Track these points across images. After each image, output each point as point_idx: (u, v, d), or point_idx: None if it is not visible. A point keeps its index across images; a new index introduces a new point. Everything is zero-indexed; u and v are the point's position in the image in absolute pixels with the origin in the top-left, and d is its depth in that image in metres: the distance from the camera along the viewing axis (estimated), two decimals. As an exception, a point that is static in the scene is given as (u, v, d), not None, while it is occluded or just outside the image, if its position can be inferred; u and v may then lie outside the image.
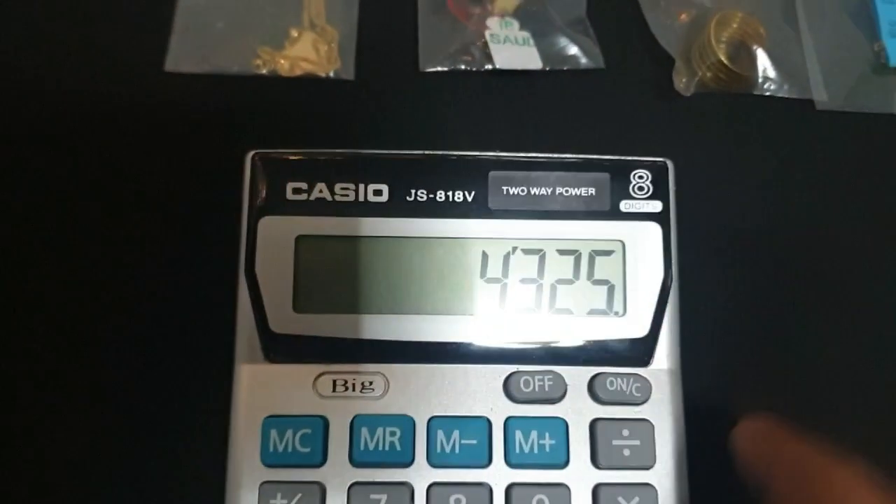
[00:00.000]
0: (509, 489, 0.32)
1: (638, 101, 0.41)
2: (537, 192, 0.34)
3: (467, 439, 0.32)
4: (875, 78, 0.42)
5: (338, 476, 0.32)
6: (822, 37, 0.42)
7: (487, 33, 0.41)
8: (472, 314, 0.33)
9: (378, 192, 0.34)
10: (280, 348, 0.33)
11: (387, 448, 0.32)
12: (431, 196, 0.34)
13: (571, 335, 0.33)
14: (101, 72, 0.40)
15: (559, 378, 0.33)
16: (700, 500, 0.32)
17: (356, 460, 0.32)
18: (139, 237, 0.37)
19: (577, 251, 0.34)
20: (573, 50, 0.41)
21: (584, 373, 0.33)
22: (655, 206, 0.34)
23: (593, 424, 0.33)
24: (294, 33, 0.42)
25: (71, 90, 0.40)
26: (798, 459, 0.29)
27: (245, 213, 0.34)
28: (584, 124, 0.40)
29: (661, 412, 0.33)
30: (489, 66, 0.41)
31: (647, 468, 0.32)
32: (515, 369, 0.33)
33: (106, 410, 0.35)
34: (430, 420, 0.32)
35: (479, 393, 0.33)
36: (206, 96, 0.40)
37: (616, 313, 0.34)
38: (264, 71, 0.41)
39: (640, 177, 0.34)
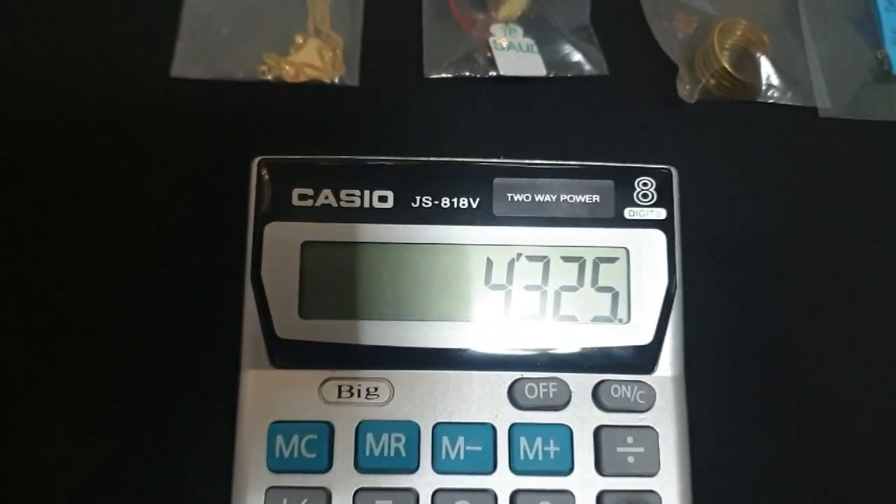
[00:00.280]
0: (514, 496, 0.32)
1: (641, 108, 0.41)
2: (542, 199, 0.34)
3: (472, 446, 0.32)
4: (878, 86, 0.42)
5: (343, 482, 0.32)
6: (826, 44, 0.42)
7: (491, 40, 0.42)
8: (477, 321, 0.33)
9: (383, 199, 0.34)
10: (286, 354, 0.33)
11: (392, 454, 0.32)
12: (436, 202, 0.34)
13: (575, 342, 0.33)
14: (107, 77, 0.40)
15: (563, 385, 0.33)
16: (703, 508, 0.32)
17: (361, 466, 0.32)
18: (144, 242, 0.37)
19: (581, 258, 0.34)
20: (577, 57, 0.41)
21: (589, 380, 0.33)
22: (660, 214, 0.34)
23: (597, 431, 0.33)
24: (299, 40, 0.42)
25: (78, 95, 0.40)
26: None
27: (251, 219, 0.34)
28: (588, 131, 0.40)
29: (665, 419, 0.33)
30: (493, 73, 0.41)
31: (651, 475, 0.32)
32: (520, 376, 0.33)
33: (113, 416, 0.35)
34: (434, 426, 0.33)
35: (483, 399, 0.33)
36: (211, 102, 0.40)
37: (620, 320, 0.34)
38: (269, 77, 0.41)
39: (645, 184, 0.34)
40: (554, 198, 0.34)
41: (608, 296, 0.34)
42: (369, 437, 0.32)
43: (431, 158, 0.35)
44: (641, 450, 0.33)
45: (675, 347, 0.34)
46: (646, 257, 0.34)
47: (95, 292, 0.36)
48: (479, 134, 0.40)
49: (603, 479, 0.32)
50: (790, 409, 0.36)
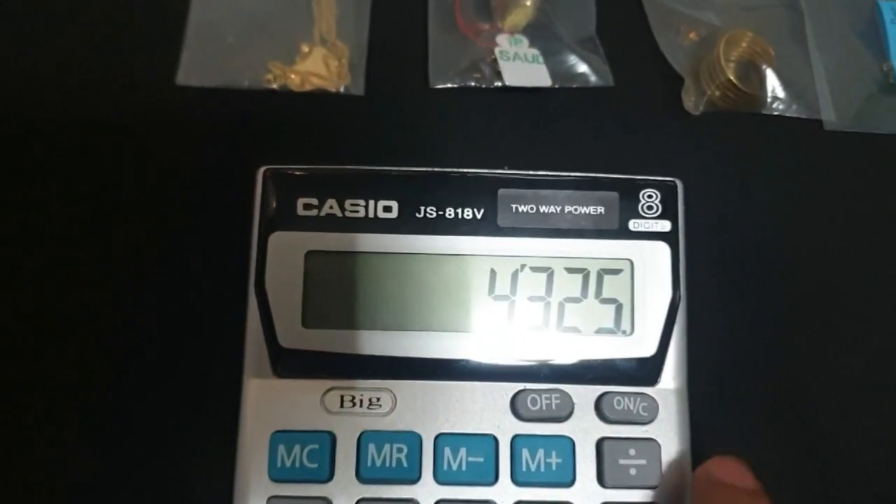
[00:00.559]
0: (515, 507, 0.32)
1: (647, 120, 0.41)
2: (546, 210, 0.34)
3: (474, 457, 0.32)
4: (883, 98, 0.42)
5: (345, 492, 0.32)
6: (831, 57, 0.42)
7: (497, 50, 0.42)
8: (480, 331, 0.33)
9: (388, 209, 0.34)
10: (288, 363, 0.33)
11: (394, 465, 0.32)
12: (441, 213, 0.34)
13: (579, 354, 0.33)
14: (113, 84, 0.41)
15: (566, 397, 0.33)
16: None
17: (363, 476, 0.32)
18: (147, 250, 0.37)
19: (585, 269, 0.34)
20: (582, 68, 0.41)
21: (591, 391, 0.33)
22: (664, 226, 0.34)
23: (600, 443, 0.33)
24: (305, 48, 0.42)
25: (83, 102, 0.40)
26: None
27: (256, 228, 0.34)
28: (593, 142, 0.40)
29: (668, 432, 0.33)
30: (498, 84, 0.41)
31: (654, 488, 0.32)
32: (523, 387, 0.33)
33: (114, 423, 0.35)
34: (437, 437, 0.33)
35: (486, 410, 0.33)
36: (216, 110, 0.41)
37: (624, 332, 0.34)
38: (275, 85, 0.41)
39: (650, 196, 0.34)
40: (558, 209, 0.34)
41: (612, 307, 0.34)
42: (371, 447, 0.32)
43: (436, 169, 0.35)
44: (644, 462, 0.33)
45: (678, 360, 0.34)
46: (650, 269, 0.34)
47: (98, 299, 0.36)
48: (483, 144, 0.40)
49: (605, 492, 0.32)
50: (793, 423, 0.36)
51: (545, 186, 0.35)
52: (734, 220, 0.39)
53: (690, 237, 0.35)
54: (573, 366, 0.33)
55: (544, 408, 0.33)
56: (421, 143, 0.40)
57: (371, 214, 0.34)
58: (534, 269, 0.34)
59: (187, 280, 0.37)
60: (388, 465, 0.32)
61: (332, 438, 0.32)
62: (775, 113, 0.41)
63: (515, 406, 0.33)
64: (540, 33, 0.43)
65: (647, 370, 0.33)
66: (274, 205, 0.34)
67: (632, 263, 0.34)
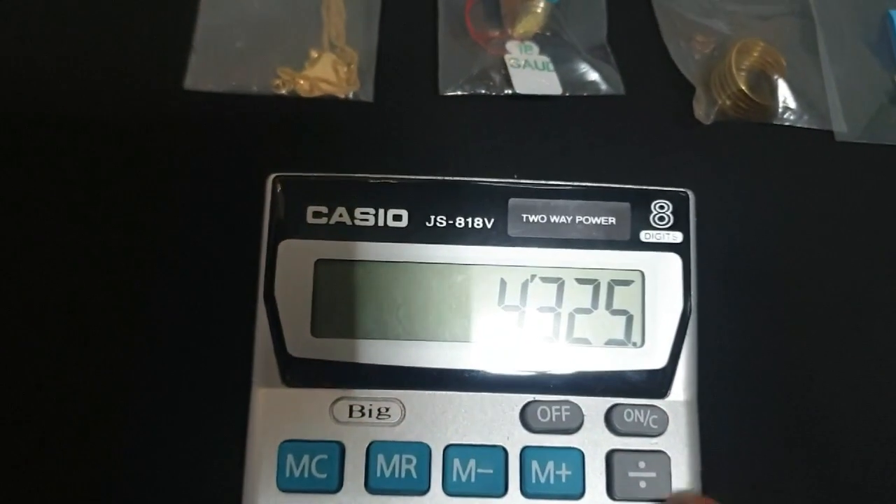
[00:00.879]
0: (525, 519, 0.32)
1: (658, 129, 0.41)
2: (557, 221, 0.34)
3: (483, 468, 0.32)
4: (894, 109, 0.42)
5: (353, 502, 0.32)
6: (842, 68, 0.42)
7: (507, 57, 0.41)
8: (490, 342, 0.33)
9: (398, 218, 0.34)
10: (297, 372, 0.33)
11: (403, 475, 0.32)
12: (451, 222, 0.34)
13: (589, 365, 0.33)
14: (121, 88, 0.40)
15: (576, 408, 0.33)
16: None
17: (372, 487, 0.32)
18: (154, 257, 0.37)
19: (595, 280, 0.34)
20: (593, 76, 0.41)
21: (601, 403, 0.33)
22: (676, 237, 0.34)
23: (609, 456, 0.33)
24: (314, 54, 0.42)
25: (91, 106, 0.40)
26: None
27: (265, 236, 0.34)
28: (604, 150, 0.40)
29: (678, 444, 0.33)
30: (508, 91, 0.41)
31: (663, 500, 0.32)
32: (532, 398, 0.33)
33: (123, 431, 0.35)
34: (446, 448, 0.32)
35: (495, 422, 0.33)
36: (224, 115, 0.40)
37: (634, 344, 0.33)
38: (284, 91, 0.41)
39: (661, 207, 0.34)
40: (569, 219, 0.34)
41: (622, 319, 0.34)
42: (380, 457, 0.32)
43: (447, 178, 0.34)
44: (653, 475, 0.32)
45: (688, 372, 0.34)
46: (661, 281, 0.34)
47: (106, 307, 0.36)
48: (492, 152, 0.40)
49: (614, 504, 0.32)
50: (803, 435, 0.36)
51: (556, 196, 0.34)
52: (744, 231, 0.39)
53: (700, 247, 0.34)
54: (583, 377, 0.33)
55: (554, 419, 0.33)
56: (429, 150, 0.40)
57: (381, 223, 0.34)
58: (544, 280, 0.34)
59: (195, 288, 0.36)
60: (397, 475, 0.32)
61: (341, 448, 0.32)
62: (786, 123, 0.41)
63: (525, 417, 0.33)
64: (550, 40, 0.42)
65: (657, 382, 0.33)
66: (283, 213, 0.34)
67: (643, 275, 0.34)
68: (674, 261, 0.34)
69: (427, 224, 0.34)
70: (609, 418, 0.33)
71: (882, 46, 0.43)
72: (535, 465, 0.32)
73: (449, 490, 0.32)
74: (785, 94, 0.41)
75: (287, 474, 0.32)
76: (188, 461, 0.34)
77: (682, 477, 0.33)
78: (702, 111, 0.40)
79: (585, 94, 0.41)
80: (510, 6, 0.43)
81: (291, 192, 0.34)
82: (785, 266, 0.38)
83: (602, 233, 0.34)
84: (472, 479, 0.32)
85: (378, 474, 0.32)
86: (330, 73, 0.41)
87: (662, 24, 0.43)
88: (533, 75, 0.41)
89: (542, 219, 0.34)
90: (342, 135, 0.40)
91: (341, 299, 0.33)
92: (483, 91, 0.41)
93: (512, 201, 0.34)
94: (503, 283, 0.34)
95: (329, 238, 0.34)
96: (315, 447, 0.32)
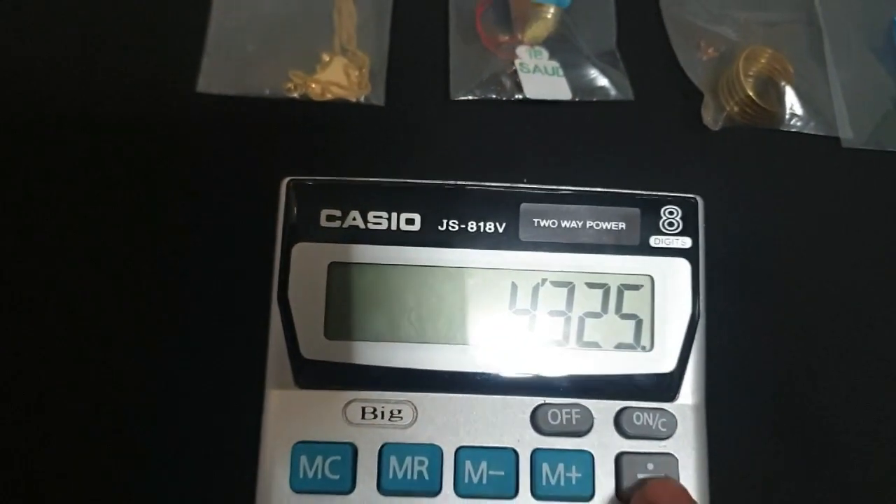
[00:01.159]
0: (535, 520, 0.32)
1: (666, 135, 0.41)
2: (568, 225, 0.34)
3: (494, 470, 0.32)
4: (900, 117, 0.42)
5: (366, 503, 0.32)
6: (849, 75, 0.42)
7: (517, 62, 0.42)
8: (501, 345, 0.33)
9: (410, 221, 0.34)
10: (311, 374, 0.33)
11: (415, 477, 0.32)
12: (463, 226, 0.34)
13: (599, 369, 0.34)
14: (133, 90, 0.41)
15: (586, 411, 0.33)
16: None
17: (384, 488, 0.32)
18: (169, 259, 0.37)
19: (605, 285, 0.34)
20: (603, 81, 0.42)
21: (611, 406, 0.33)
22: (685, 243, 0.34)
23: (619, 458, 0.33)
24: (325, 57, 0.42)
25: (103, 109, 0.40)
26: None
27: (279, 239, 0.34)
28: (613, 155, 0.41)
29: (686, 447, 0.33)
30: (519, 96, 0.41)
31: (671, 502, 0.32)
32: (543, 401, 0.33)
33: (137, 434, 0.35)
34: (457, 450, 0.33)
35: (506, 424, 0.33)
36: (236, 118, 0.41)
37: (643, 348, 0.34)
38: (295, 94, 0.41)
39: (671, 213, 0.35)
40: (580, 224, 0.34)
41: (632, 323, 0.34)
42: (392, 459, 0.32)
43: (459, 182, 0.35)
44: (662, 477, 0.33)
45: (697, 376, 0.34)
46: (670, 286, 0.34)
47: (120, 309, 0.37)
48: (502, 156, 0.40)
49: (624, 506, 0.32)
50: (811, 439, 0.36)
51: (567, 201, 0.35)
52: (751, 236, 0.39)
53: (708, 252, 0.35)
54: (593, 380, 0.33)
55: (564, 422, 0.33)
56: (440, 154, 0.40)
57: (394, 227, 0.34)
58: (555, 284, 0.34)
59: (209, 291, 0.37)
60: (409, 477, 0.32)
61: (354, 450, 0.32)
62: (793, 130, 0.41)
63: (536, 420, 0.33)
64: (560, 46, 0.43)
65: (666, 386, 0.34)
66: (297, 216, 0.34)
67: (652, 279, 0.34)
68: (683, 266, 0.34)
69: (439, 228, 0.34)
70: (618, 421, 0.33)
71: (888, 53, 0.43)
72: (545, 467, 0.33)
73: (460, 492, 0.32)
74: (792, 101, 0.42)
75: (300, 475, 0.32)
76: (202, 462, 0.35)
77: (689, 479, 0.33)
78: (710, 117, 0.41)
79: (595, 99, 0.41)
80: (520, 11, 0.43)
81: (305, 195, 0.34)
82: (792, 270, 0.39)
83: (612, 238, 0.34)
84: (484, 481, 0.32)
85: (390, 476, 0.32)
86: (341, 76, 0.42)
87: (671, 31, 0.43)
88: (543, 80, 0.41)
89: (553, 223, 0.34)
90: (353, 138, 0.41)
91: (354, 302, 0.34)
92: (493, 96, 0.41)
93: (523, 206, 0.34)
94: (514, 286, 0.34)
95: (342, 241, 0.34)
96: (328, 448, 0.32)
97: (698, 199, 0.35)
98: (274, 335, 0.33)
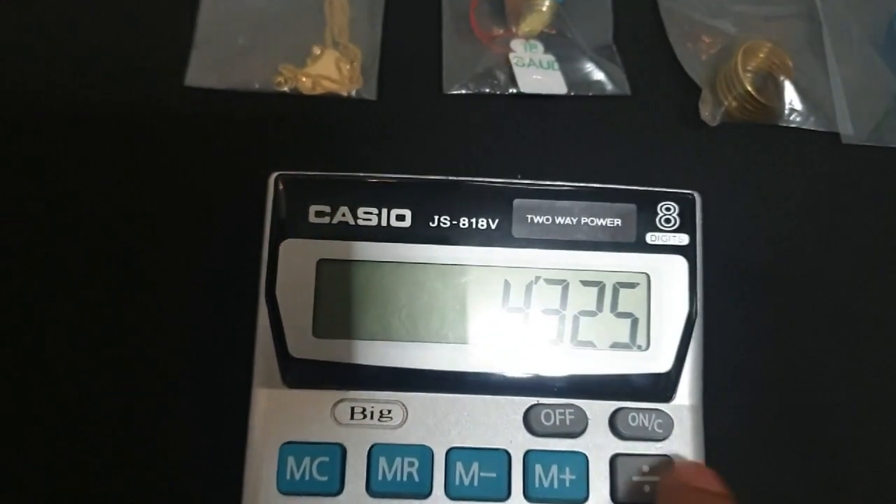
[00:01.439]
0: (528, 523, 0.31)
1: (663, 130, 0.41)
2: (562, 222, 0.34)
3: (486, 472, 0.32)
4: (901, 113, 0.41)
5: None
6: (849, 70, 0.42)
7: (512, 56, 0.41)
8: (493, 344, 0.33)
9: (401, 217, 0.33)
10: (299, 373, 0.32)
11: (405, 479, 0.32)
12: (454, 223, 0.33)
13: (593, 368, 0.33)
14: (121, 84, 0.40)
15: (580, 412, 0.32)
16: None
17: (373, 490, 0.31)
18: (155, 256, 0.37)
19: (600, 283, 0.33)
20: (599, 76, 0.41)
21: (606, 407, 0.33)
22: (682, 240, 0.34)
23: (613, 460, 0.32)
24: (316, 51, 0.41)
25: (91, 102, 0.40)
26: None
27: (267, 235, 0.33)
28: (609, 151, 0.40)
29: (683, 449, 0.33)
30: (513, 90, 0.40)
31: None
32: (536, 402, 0.33)
33: (123, 433, 0.34)
34: (448, 451, 0.32)
35: (498, 425, 0.32)
36: (225, 112, 0.40)
37: (639, 347, 0.33)
38: (286, 88, 0.40)
39: (668, 209, 0.34)
40: (574, 220, 0.34)
41: (627, 322, 0.33)
42: (382, 460, 0.32)
43: (450, 178, 0.34)
44: (658, 479, 0.32)
45: (693, 376, 0.33)
46: (666, 283, 0.33)
47: (105, 306, 0.36)
48: (496, 151, 0.40)
49: (618, 509, 0.32)
50: (809, 439, 0.36)
51: (561, 197, 0.34)
52: (750, 234, 0.39)
53: (705, 250, 0.34)
54: (587, 380, 0.33)
55: (558, 423, 0.32)
56: (433, 149, 0.40)
57: (384, 223, 0.33)
58: (548, 282, 0.33)
59: (195, 287, 0.36)
60: (398, 478, 0.31)
61: (343, 451, 0.32)
62: (792, 125, 0.41)
63: (528, 421, 0.32)
64: (556, 40, 0.42)
65: (662, 386, 0.33)
66: (286, 212, 0.33)
67: (648, 277, 0.33)
68: (680, 263, 0.34)
69: (430, 224, 0.33)
70: (613, 422, 0.33)
71: (889, 48, 0.42)
72: (538, 468, 0.32)
73: (451, 494, 0.32)
74: (791, 96, 0.41)
75: (288, 476, 0.31)
76: (188, 462, 0.34)
77: (686, 482, 0.32)
78: (708, 112, 0.40)
79: (591, 93, 0.41)
80: (515, 4, 0.42)
81: (294, 191, 0.33)
82: (791, 268, 0.38)
83: (607, 234, 0.34)
84: (475, 483, 0.32)
85: (379, 477, 0.31)
86: (333, 70, 0.41)
87: (668, 25, 0.43)
88: (538, 74, 0.41)
89: (547, 220, 0.34)
90: (345, 133, 0.40)
91: (343, 300, 0.33)
92: (487, 90, 0.41)
93: (517, 202, 0.34)
94: (507, 284, 0.33)
95: (331, 238, 0.33)
96: (316, 449, 0.32)
97: (696, 195, 0.34)
98: (261, 333, 0.32)
